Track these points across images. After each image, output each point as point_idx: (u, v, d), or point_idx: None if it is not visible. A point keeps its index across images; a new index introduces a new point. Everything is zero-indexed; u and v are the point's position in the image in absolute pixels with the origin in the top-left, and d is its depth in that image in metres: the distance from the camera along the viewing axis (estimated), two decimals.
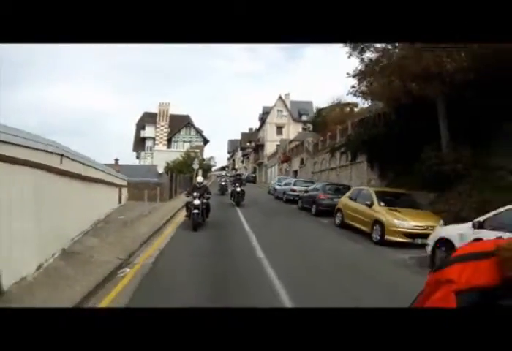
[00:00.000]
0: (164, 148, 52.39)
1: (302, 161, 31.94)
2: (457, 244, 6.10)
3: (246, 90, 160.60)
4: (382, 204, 9.54)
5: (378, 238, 8.92)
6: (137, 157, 52.87)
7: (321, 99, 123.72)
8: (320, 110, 43.87)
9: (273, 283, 5.53)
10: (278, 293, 5.06)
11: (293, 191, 18.81)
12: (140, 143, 52.74)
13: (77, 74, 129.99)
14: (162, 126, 53.46)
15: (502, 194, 8.62)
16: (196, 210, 10.27)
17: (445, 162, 11.69)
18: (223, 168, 66.98)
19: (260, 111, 60.73)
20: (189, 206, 10.89)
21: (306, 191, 16.00)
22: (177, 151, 47.32)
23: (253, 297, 4.94)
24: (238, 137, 74.83)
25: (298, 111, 55.01)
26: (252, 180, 46.77)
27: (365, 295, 5.14)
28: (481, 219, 6.20)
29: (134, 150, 53.26)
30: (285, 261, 7.01)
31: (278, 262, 6.66)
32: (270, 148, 50.91)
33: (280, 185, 22.51)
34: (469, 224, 6.27)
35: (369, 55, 13.04)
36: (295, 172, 33.47)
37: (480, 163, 11.49)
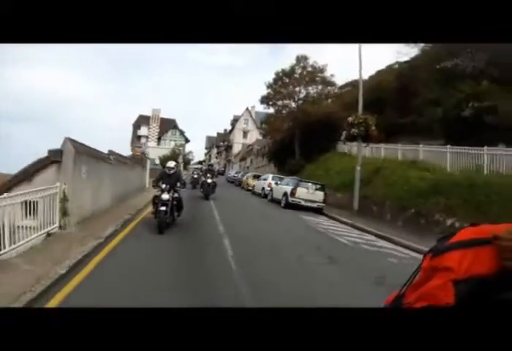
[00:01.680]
0: (155, 144, 67.46)
1: (251, 161, 48.08)
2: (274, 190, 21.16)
3: (226, 85, 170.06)
4: (251, 178, 25.84)
5: (247, 189, 25.37)
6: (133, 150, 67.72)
7: None
8: None
9: (210, 203, 21.32)
10: (213, 208, 20.61)
11: (234, 177, 34.99)
12: (135, 140, 67.81)
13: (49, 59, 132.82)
14: (154, 127, 68.54)
15: (309, 177, 24.42)
16: (163, 208, 8.04)
17: (291, 165, 28.08)
18: (200, 162, 74.16)
19: (231, 117, 76.96)
20: (156, 201, 8.48)
21: (238, 176, 32.35)
22: (165, 148, 62.48)
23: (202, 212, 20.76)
24: (215, 132, 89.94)
25: (261, 121, 70.82)
26: (221, 173, 62.27)
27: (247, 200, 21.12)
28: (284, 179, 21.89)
29: (131, 145, 68.15)
30: (222, 199, 22.81)
31: (219, 201, 22.47)
32: (236, 149, 66.46)
33: (230, 174, 38.89)
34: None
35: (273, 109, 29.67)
36: (247, 167, 49.45)
37: (307, 167, 27.89)
